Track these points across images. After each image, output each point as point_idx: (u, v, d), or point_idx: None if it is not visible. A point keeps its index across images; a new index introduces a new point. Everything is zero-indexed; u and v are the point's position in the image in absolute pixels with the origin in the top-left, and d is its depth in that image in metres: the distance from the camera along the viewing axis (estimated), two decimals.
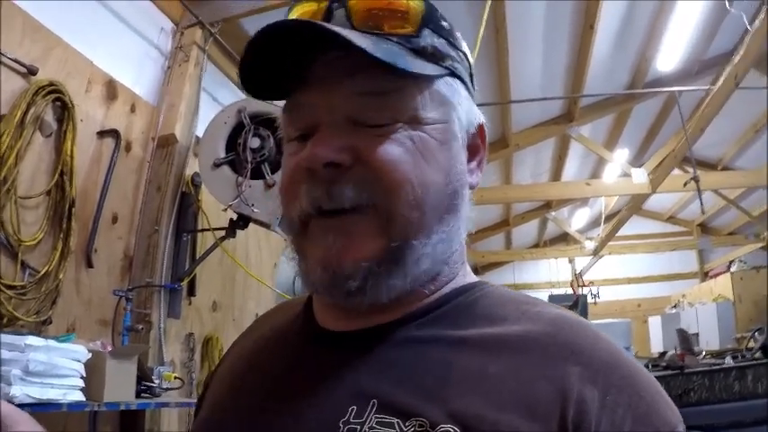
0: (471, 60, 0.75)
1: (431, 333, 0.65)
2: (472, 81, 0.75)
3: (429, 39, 0.66)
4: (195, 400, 3.31)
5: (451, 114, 0.69)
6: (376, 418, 0.58)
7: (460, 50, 0.72)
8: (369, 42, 0.60)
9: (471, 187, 0.72)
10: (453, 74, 0.69)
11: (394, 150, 0.63)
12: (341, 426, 0.58)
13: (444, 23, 0.69)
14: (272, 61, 0.65)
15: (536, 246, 13.61)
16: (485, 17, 3.38)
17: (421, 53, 0.65)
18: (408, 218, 0.63)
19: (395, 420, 0.57)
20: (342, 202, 0.62)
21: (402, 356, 0.63)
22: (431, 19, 0.67)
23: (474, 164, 0.74)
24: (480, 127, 0.74)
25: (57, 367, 2.03)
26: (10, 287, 2.41)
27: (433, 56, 0.66)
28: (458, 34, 0.72)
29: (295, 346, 0.72)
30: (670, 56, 5.97)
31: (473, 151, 0.73)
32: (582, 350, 0.61)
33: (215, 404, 0.74)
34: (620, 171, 7.64)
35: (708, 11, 5.47)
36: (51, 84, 2.71)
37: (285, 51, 0.64)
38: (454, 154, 0.69)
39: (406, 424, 0.56)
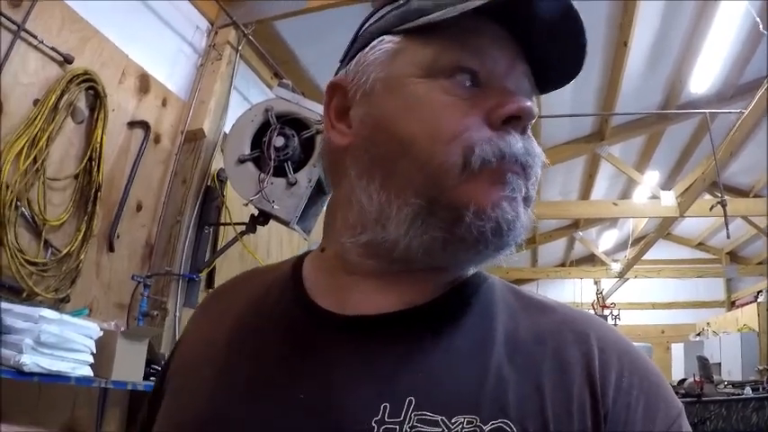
0: None
1: (454, 323, 0.62)
2: None
3: None
4: None
5: None
6: (416, 416, 0.53)
7: None
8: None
9: None
10: None
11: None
12: (374, 425, 0.53)
13: None
14: None
15: (562, 265, 13.50)
16: None
17: None
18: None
19: (439, 418, 0.53)
20: (533, 160, 0.62)
21: (432, 349, 0.59)
22: None
23: None
24: None
25: (68, 341, 2.10)
26: (32, 263, 2.51)
27: None
28: None
29: (293, 330, 0.65)
30: (704, 78, 5.88)
31: None
32: (597, 336, 0.62)
33: (197, 396, 0.64)
34: (650, 193, 7.57)
35: (743, 33, 5.40)
36: (86, 73, 2.82)
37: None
38: None
39: (453, 421, 0.53)
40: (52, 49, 2.68)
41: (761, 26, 4.11)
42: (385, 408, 0.54)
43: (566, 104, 6.39)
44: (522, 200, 0.61)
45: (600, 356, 0.59)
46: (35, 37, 2.59)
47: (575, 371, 0.58)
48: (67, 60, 2.75)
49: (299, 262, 0.74)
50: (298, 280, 0.70)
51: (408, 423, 0.53)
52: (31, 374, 1.98)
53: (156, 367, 2.71)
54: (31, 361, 1.96)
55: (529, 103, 0.61)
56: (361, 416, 0.54)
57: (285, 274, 0.72)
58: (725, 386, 6.51)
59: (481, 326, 0.62)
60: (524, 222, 0.61)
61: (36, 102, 2.60)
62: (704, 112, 5.74)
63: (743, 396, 5.38)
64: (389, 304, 0.62)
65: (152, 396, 0.75)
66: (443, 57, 0.62)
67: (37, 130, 2.53)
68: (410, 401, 0.54)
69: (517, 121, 0.60)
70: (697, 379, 5.69)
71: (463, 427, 0.52)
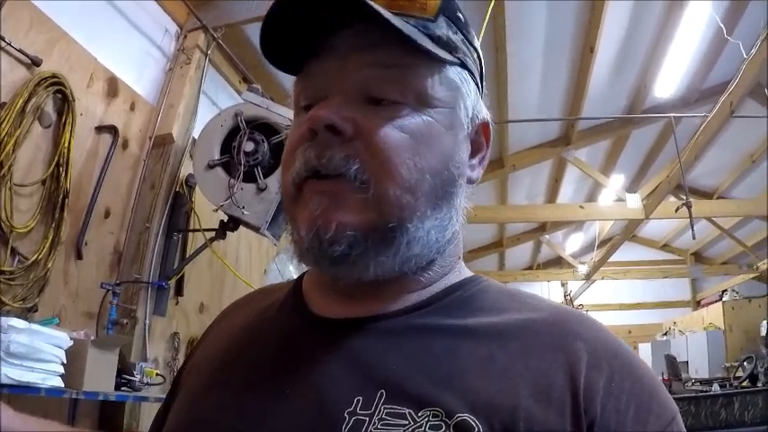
0: (482, 59, 0.75)
1: (434, 322, 0.64)
2: (482, 79, 0.75)
3: (444, 28, 0.67)
4: None
5: (459, 102, 0.68)
6: (386, 408, 0.55)
7: (473, 46, 0.72)
8: (390, 16, 0.61)
9: (471, 182, 0.72)
10: (464, 66, 0.69)
11: (395, 134, 0.62)
12: (346, 416, 0.56)
13: (460, 16, 0.70)
14: (290, 31, 0.65)
15: (529, 268, 13.60)
16: (485, 20, 3.41)
17: (435, 40, 0.65)
18: (401, 200, 0.62)
19: (406, 411, 0.55)
20: (330, 166, 0.61)
21: (407, 344, 0.61)
22: (448, 9, 0.68)
23: (476, 160, 0.74)
24: (485, 125, 0.74)
25: (38, 351, 2.04)
26: None
27: (447, 45, 0.67)
28: (472, 30, 0.72)
29: (288, 334, 0.69)
30: (668, 83, 5.98)
31: (476, 147, 0.73)
32: (586, 338, 0.62)
33: (198, 398, 0.69)
34: (615, 196, 7.67)
35: (708, 39, 5.51)
36: (54, 76, 2.75)
37: (304, 22, 0.64)
38: (458, 141, 0.68)
39: (419, 414, 0.54)
40: (20, 51, 2.61)
41: (725, 32, 4.19)
42: (358, 400, 0.57)
43: (532, 109, 6.45)
44: (335, 208, 0.62)
45: (589, 361, 0.59)
46: (2, 39, 2.52)
47: (558, 374, 0.58)
48: (35, 63, 2.68)
49: (301, 276, 0.79)
50: (298, 291, 0.75)
51: (378, 415, 0.55)
52: (1, 386, 1.92)
53: (128, 377, 2.66)
54: (1, 372, 1.90)
55: (320, 112, 0.62)
56: (337, 407, 0.57)
57: (290, 288, 0.78)
58: (693, 384, 6.62)
59: (463, 326, 0.63)
60: (347, 226, 0.61)
61: (2, 105, 2.53)
62: (669, 117, 5.84)
63: (711, 393, 5.46)
64: (373, 309, 0.66)
65: (167, 397, 0.82)
66: (294, 91, 0.71)
67: (3, 134, 2.45)
68: (381, 394, 0.57)
69: (315, 133, 0.63)
70: (665, 377, 5.77)
71: (428, 420, 0.54)
